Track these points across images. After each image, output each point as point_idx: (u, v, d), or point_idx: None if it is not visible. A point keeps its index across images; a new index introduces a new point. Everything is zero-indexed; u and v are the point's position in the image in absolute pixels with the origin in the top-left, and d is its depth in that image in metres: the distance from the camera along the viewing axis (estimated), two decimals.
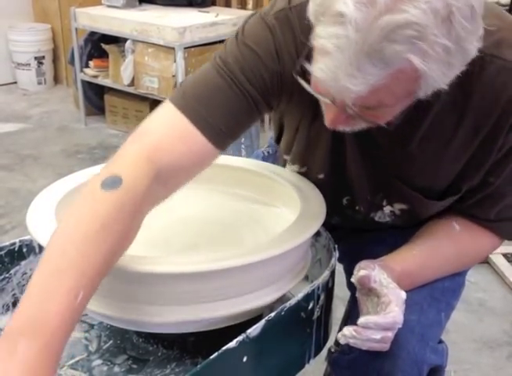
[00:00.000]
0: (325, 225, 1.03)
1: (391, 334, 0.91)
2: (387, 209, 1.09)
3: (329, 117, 0.88)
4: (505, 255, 2.40)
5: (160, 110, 0.95)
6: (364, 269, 0.95)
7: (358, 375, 1.01)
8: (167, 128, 0.93)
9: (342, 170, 1.07)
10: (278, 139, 1.18)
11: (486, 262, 2.40)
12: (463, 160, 0.99)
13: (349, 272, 1.03)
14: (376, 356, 0.96)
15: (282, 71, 0.95)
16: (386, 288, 0.93)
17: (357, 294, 0.98)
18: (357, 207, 1.11)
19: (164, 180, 0.90)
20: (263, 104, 0.97)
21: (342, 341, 0.93)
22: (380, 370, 0.97)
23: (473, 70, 0.88)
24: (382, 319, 0.91)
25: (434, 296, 1.06)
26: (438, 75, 0.77)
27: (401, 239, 1.09)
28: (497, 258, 2.37)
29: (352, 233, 1.19)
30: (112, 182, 0.83)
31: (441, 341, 1.06)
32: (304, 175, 1.13)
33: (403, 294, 0.94)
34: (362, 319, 0.91)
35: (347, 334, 0.91)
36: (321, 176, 1.10)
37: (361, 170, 1.05)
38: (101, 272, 0.79)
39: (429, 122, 0.96)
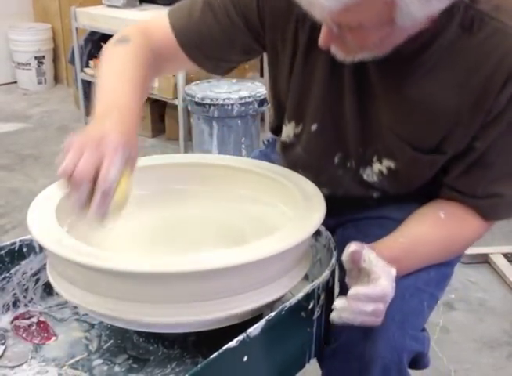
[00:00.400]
0: None
1: (382, 307, 0.92)
2: (376, 167, 1.10)
3: (321, 35, 0.94)
4: (505, 255, 2.40)
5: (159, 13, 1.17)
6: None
7: (341, 363, 1.02)
8: (156, 23, 1.16)
9: (337, 116, 1.09)
10: (275, 115, 1.23)
11: (486, 261, 2.40)
12: (451, 119, 1.01)
13: (342, 266, 1.04)
14: (357, 344, 0.99)
15: None
16: (375, 266, 0.94)
17: (346, 280, 0.98)
18: (348, 165, 1.13)
19: (155, 54, 1.11)
20: (247, 34, 1.10)
21: (336, 318, 0.93)
22: (361, 357, 0.99)
23: (471, 30, 0.95)
24: (371, 290, 0.91)
25: (418, 286, 1.06)
26: (413, 3, 0.83)
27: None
28: (497, 258, 2.38)
29: (346, 224, 1.20)
30: (124, 40, 1.10)
31: (424, 330, 1.07)
32: (300, 136, 1.15)
33: (393, 271, 0.94)
34: (351, 291, 0.92)
35: (339, 306, 0.92)
36: (314, 127, 1.12)
37: (356, 118, 1.07)
38: (144, 95, 1.05)
39: (421, 75, 1.00)
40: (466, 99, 0.98)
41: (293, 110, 1.15)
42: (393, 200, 1.15)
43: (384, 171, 1.10)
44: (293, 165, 1.18)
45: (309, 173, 1.14)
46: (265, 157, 1.34)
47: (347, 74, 1.05)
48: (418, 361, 1.05)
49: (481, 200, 1.07)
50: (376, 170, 1.11)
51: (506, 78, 0.95)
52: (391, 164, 1.09)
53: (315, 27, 0.98)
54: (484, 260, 2.41)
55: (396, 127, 1.05)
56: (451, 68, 0.98)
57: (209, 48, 1.12)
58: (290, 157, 1.19)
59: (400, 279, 1.02)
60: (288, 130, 1.17)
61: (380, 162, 1.10)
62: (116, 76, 1.03)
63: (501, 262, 2.36)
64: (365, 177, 1.13)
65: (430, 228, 1.07)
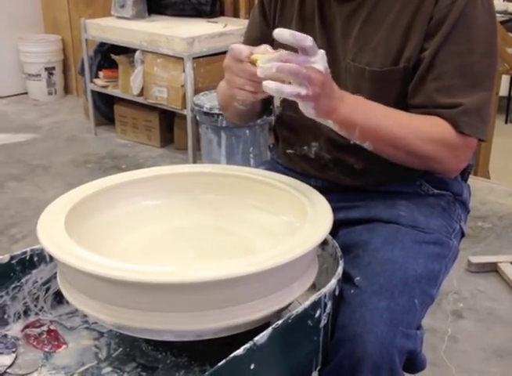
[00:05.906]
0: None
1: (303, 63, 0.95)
2: None
3: None
4: None
5: None
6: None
7: (332, 363, 1.03)
8: None
9: None
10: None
11: (495, 270, 2.40)
12: (401, 35, 1.12)
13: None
14: (346, 342, 1.00)
15: None
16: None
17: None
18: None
19: None
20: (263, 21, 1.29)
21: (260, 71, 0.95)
22: (351, 356, 1.00)
23: None
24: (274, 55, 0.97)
25: (407, 282, 1.06)
26: None
27: (392, 230, 1.14)
28: (506, 267, 2.37)
29: (345, 227, 1.21)
30: None
31: (419, 328, 1.07)
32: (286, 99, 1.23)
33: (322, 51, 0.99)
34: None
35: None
36: None
37: (328, 62, 1.12)
38: None
39: (373, 3, 1.14)
40: (411, 12, 1.10)
41: None
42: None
43: None
44: (292, 130, 1.28)
45: (302, 132, 1.24)
46: (271, 166, 1.35)
47: (317, 26, 1.20)
48: (412, 362, 1.06)
49: (444, 109, 1.10)
50: None
51: None
52: None
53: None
54: (492, 269, 2.41)
55: (357, 57, 1.16)
56: None
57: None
58: (285, 125, 1.29)
59: (387, 277, 1.05)
60: (276, 99, 1.28)
61: None
62: None
63: (509, 271, 2.35)
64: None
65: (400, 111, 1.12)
